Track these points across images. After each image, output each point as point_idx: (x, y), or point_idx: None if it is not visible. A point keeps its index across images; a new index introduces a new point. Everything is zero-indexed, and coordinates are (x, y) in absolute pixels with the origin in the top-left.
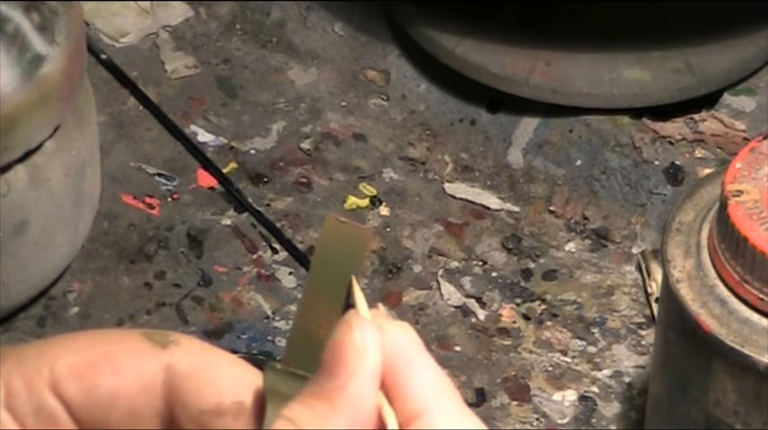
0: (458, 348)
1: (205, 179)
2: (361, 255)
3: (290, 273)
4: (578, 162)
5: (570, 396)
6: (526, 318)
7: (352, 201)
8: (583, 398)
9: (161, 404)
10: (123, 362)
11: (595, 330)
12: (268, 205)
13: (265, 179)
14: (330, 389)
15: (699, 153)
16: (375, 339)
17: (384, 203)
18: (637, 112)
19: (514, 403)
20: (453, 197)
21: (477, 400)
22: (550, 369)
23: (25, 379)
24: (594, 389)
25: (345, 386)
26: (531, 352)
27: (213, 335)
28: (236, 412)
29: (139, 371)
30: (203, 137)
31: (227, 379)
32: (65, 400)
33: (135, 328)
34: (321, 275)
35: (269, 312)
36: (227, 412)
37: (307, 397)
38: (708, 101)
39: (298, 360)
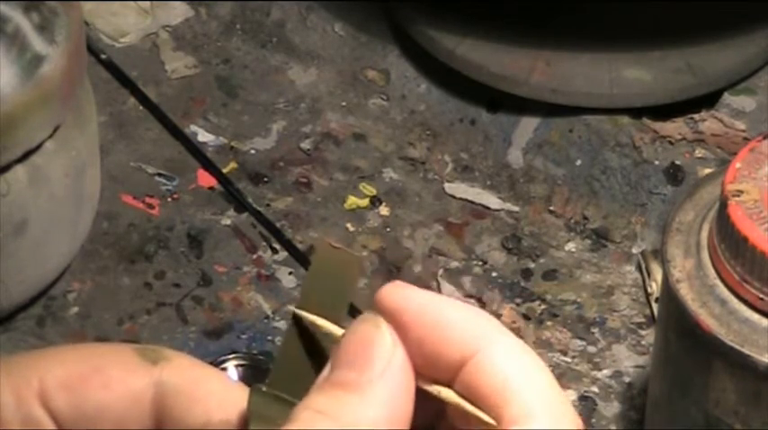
0: None
1: (205, 179)
2: (352, 282)
3: (290, 273)
4: (578, 162)
5: (570, 396)
6: (526, 317)
7: (352, 201)
8: (583, 398)
9: (150, 420)
10: (113, 377)
11: (595, 330)
12: (268, 205)
13: (265, 179)
14: (361, 382)
15: (699, 153)
16: (396, 338)
17: (384, 203)
18: (637, 112)
19: None
20: (453, 197)
21: None
22: (550, 369)
23: (14, 389)
24: (594, 389)
25: (379, 379)
26: None
27: (213, 335)
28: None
29: (129, 386)
30: (203, 137)
31: (216, 396)
32: (52, 412)
33: (132, 330)
34: (312, 300)
35: (269, 312)
36: (216, 429)
37: (334, 389)
38: (708, 101)
39: (283, 384)
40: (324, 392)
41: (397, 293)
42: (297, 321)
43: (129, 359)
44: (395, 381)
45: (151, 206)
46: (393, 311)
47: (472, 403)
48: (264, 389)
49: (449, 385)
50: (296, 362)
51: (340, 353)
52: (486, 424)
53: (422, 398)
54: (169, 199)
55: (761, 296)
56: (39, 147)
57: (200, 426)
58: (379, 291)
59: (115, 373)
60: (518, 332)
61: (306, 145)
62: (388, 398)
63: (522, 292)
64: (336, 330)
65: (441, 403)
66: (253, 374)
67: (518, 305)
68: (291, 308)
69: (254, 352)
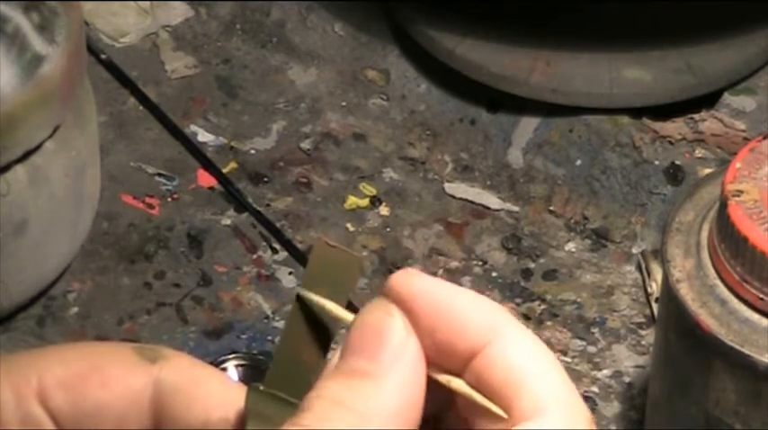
0: None
1: (205, 179)
2: (350, 281)
3: (290, 273)
4: (578, 162)
5: None
6: (526, 317)
7: (352, 201)
8: (583, 398)
9: (148, 418)
10: (112, 376)
11: (595, 330)
12: (268, 205)
13: (265, 179)
14: (375, 370)
15: (699, 153)
16: (409, 325)
17: (384, 203)
18: (637, 112)
19: None
20: (453, 197)
21: None
22: None
23: (14, 388)
24: (594, 389)
25: (393, 367)
26: None
27: (213, 335)
28: (222, 428)
29: (127, 384)
30: (203, 137)
31: (215, 395)
32: (51, 411)
33: (132, 330)
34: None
35: (269, 312)
36: (214, 428)
37: (347, 377)
38: (708, 101)
39: (281, 383)
40: (337, 380)
41: (409, 280)
42: (299, 309)
43: (127, 358)
44: (408, 369)
45: (151, 206)
46: (404, 298)
47: (482, 394)
48: (262, 388)
49: (459, 375)
50: (293, 361)
51: (352, 341)
52: (496, 416)
53: (430, 386)
54: (169, 199)
55: (761, 296)
56: (39, 147)
57: (198, 426)
58: (390, 278)
59: (114, 372)
60: None
61: (306, 145)
62: (401, 385)
63: (522, 292)
64: (346, 315)
65: (450, 393)
66: (253, 374)
67: (518, 305)
68: (299, 291)
69: (254, 352)
